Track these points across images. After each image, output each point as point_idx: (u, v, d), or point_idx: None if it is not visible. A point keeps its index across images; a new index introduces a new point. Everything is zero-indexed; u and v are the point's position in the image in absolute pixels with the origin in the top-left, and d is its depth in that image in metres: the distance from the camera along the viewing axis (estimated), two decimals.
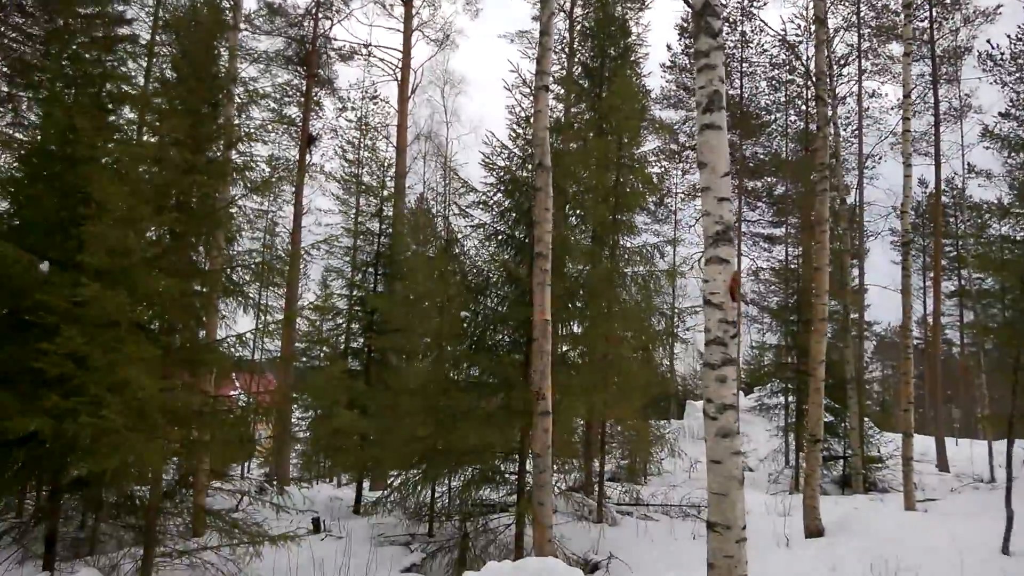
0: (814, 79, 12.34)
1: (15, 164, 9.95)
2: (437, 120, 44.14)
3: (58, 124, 8.40)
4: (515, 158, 10.13)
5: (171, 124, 7.54)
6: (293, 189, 20.78)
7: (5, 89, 21.14)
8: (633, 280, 11.70)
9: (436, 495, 11.55)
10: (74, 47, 11.36)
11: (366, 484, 14.85)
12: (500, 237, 10.06)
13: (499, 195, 10.02)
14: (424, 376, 11.02)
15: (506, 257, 10.10)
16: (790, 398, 20.20)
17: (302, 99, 22.64)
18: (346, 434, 13.15)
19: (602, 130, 12.40)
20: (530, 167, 10.15)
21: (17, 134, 18.40)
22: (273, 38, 21.90)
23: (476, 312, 9.97)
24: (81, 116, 7.97)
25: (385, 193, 16.38)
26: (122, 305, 6.42)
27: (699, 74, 4.94)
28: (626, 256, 11.91)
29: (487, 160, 10.15)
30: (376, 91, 26.83)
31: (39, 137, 9.23)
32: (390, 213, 16.32)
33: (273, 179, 9.25)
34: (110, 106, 9.05)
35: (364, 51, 22.51)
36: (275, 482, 14.62)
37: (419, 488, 11.19)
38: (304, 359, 16.51)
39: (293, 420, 15.16)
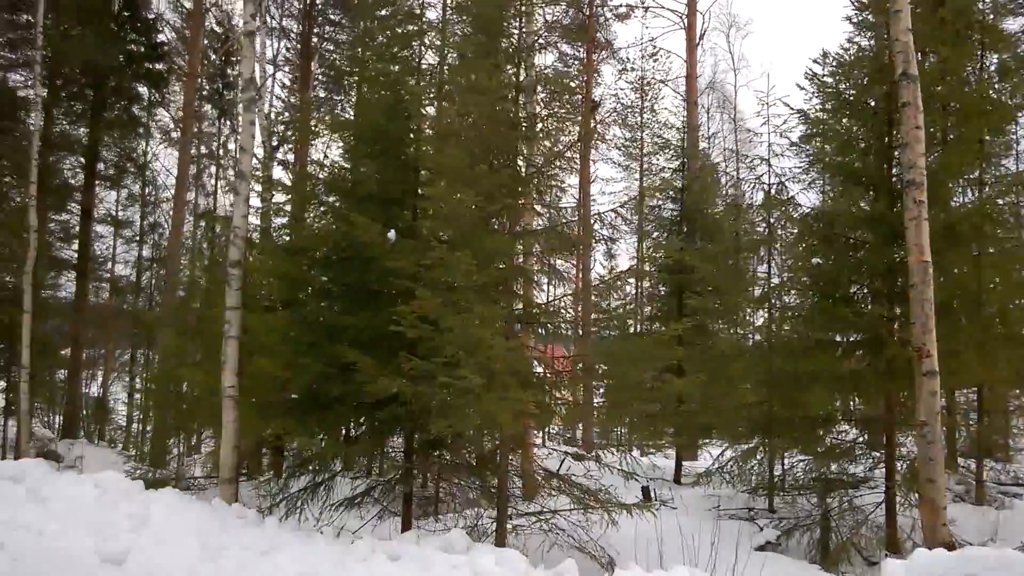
0: None
1: (342, 152, 10.61)
2: (722, 69, 41.87)
3: (381, 100, 8.67)
4: (857, 75, 8.67)
5: (488, 81, 7.27)
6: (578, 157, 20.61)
7: (323, 94, 23.44)
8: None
9: (775, 466, 10.54)
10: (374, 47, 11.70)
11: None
12: (845, 172, 8.68)
13: (844, 121, 8.63)
14: (761, 333, 9.96)
15: (856, 193, 8.70)
16: None
17: (581, 67, 22.37)
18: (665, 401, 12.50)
19: (955, 38, 10.29)
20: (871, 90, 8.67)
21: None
22: (552, 7, 21.79)
23: (828, 258, 8.69)
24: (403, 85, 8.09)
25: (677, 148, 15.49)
26: (467, 267, 6.30)
27: None
28: (1001, 185, 9.80)
29: (821, 83, 8.81)
30: (655, 47, 25.89)
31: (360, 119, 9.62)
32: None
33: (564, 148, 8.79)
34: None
35: (642, 5, 21.62)
36: (595, 449, 14.44)
37: (758, 458, 10.27)
38: (594, 329, 16.16)
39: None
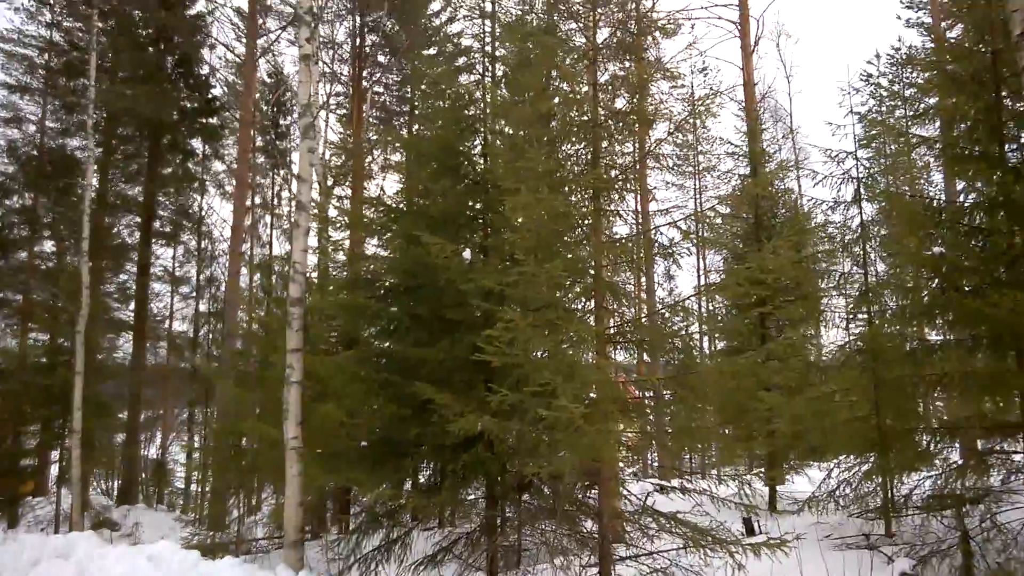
0: None
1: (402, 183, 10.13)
2: (770, 79, 40.97)
3: (445, 117, 8.15)
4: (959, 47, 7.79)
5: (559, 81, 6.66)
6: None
7: (374, 136, 23.31)
8: None
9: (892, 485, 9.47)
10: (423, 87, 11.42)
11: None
12: (950, 154, 7.70)
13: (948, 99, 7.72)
14: (870, 341, 8.99)
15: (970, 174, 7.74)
16: None
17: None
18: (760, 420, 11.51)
19: None
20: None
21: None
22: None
23: (950, 247, 7.67)
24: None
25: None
26: (557, 279, 5.61)
27: None
28: None
29: (924, 61, 7.96)
30: (704, 60, 25.31)
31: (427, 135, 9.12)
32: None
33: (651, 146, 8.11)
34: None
35: (691, 19, 21.00)
36: (677, 478, 13.43)
37: (876, 479, 9.25)
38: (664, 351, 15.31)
39: None
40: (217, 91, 23.82)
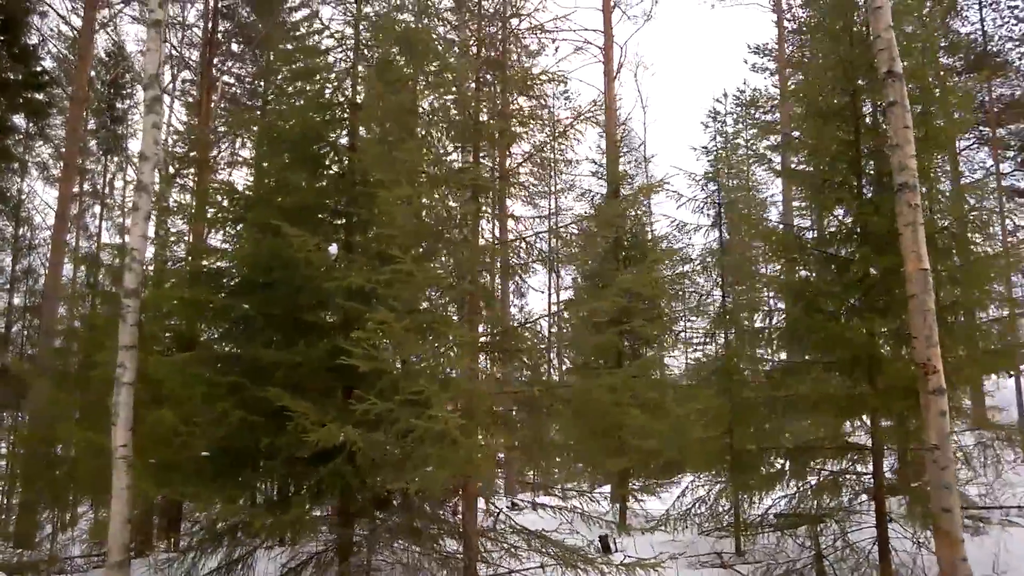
0: None
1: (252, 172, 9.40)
2: (627, 108, 42.50)
3: (312, 101, 7.56)
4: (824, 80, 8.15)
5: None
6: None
7: (223, 129, 21.83)
8: None
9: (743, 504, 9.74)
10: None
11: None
12: (819, 182, 8.06)
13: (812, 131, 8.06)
14: (726, 362, 9.22)
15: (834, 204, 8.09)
16: None
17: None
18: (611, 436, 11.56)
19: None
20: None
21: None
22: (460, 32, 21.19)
23: (812, 272, 7.94)
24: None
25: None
26: (437, 281, 5.19)
27: None
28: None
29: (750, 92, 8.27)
30: (567, 84, 25.67)
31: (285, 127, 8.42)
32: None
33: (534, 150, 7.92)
34: None
35: (553, 44, 21.23)
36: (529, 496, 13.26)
37: (724, 497, 9.46)
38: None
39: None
40: (47, 64, 21.42)
